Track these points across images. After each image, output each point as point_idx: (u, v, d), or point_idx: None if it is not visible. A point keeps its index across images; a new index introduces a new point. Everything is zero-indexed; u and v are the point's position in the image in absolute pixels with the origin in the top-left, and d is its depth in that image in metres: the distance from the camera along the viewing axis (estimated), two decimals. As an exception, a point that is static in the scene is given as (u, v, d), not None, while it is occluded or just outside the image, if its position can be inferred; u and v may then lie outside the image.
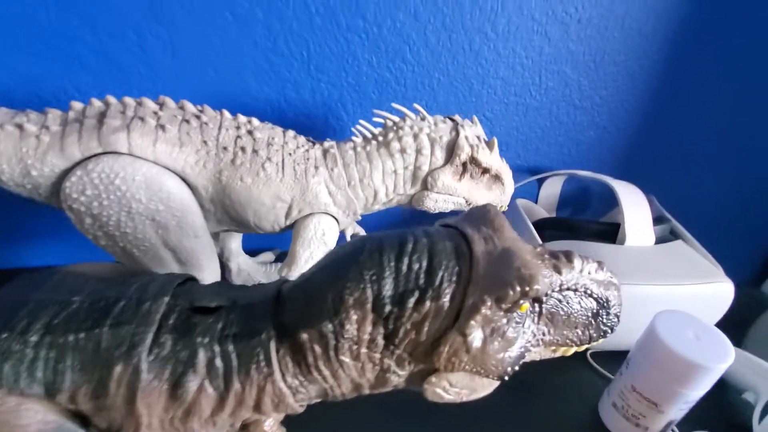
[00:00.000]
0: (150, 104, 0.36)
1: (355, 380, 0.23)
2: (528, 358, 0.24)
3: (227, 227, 0.41)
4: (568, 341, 0.23)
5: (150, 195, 0.35)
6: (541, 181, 0.69)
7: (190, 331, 0.22)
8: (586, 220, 0.56)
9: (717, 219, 0.78)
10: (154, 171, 0.35)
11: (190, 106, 0.37)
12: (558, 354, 0.25)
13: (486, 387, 0.22)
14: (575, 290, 0.23)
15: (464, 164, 0.42)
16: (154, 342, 0.22)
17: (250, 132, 0.38)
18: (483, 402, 0.38)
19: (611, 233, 0.53)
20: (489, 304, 0.20)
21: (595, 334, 0.24)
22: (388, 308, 0.21)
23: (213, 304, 0.23)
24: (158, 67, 0.50)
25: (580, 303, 0.23)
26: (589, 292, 0.23)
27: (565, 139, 0.66)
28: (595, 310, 0.23)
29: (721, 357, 0.35)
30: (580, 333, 0.23)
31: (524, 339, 0.22)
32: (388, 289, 0.21)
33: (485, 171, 0.44)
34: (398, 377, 0.22)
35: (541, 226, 0.57)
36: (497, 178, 0.46)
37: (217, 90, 0.52)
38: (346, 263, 0.22)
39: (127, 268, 0.28)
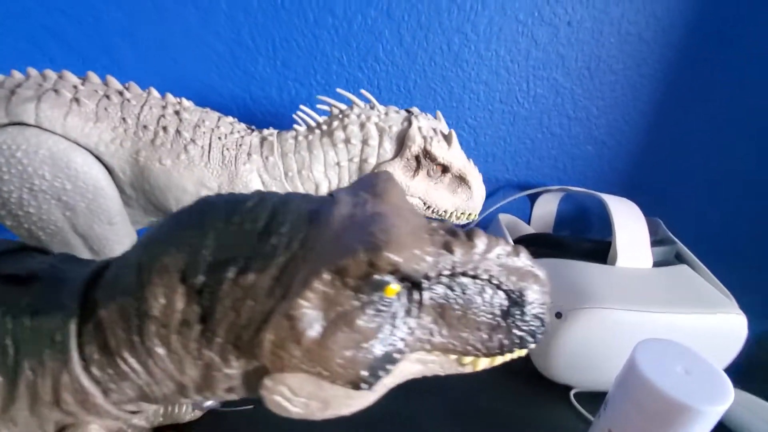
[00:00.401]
0: (71, 78, 0.34)
1: (174, 378, 0.17)
2: (421, 369, 0.18)
3: (155, 218, 0.38)
4: (468, 347, 0.17)
5: (55, 171, 0.32)
6: (533, 199, 0.63)
7: (-9, 304, 0.18)
8: (575, 237, 0.50)
9: (732, 247, 0.69)
10: (62, 146, 0.32)
11: (115, 83, 0.34)
12: (466, 368, 0.19)
13: (343, 400, 0.16)
14: (474, 277, 0.17)
15: (417, 159, 0.37)
16: None
17: (176, 112, 0.35)
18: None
19: (602, 253, 0.46)
20: (326, 277, 0.15)
21: (506, 341, 0.18)
22: (201, 279, 0.16)
23: (24, 273, 0.19)
24: (116, 53, 0.48)
25: (482, 296, 0.17)
26: (495, 281, 0.17)
27: (559, 152, 0.61)
28: (504, 308, 0.17)
29: (716, 397, 0.28)
30: (484, 337, 0.17)
31: (394, 335, 0.16)
32: (205, 255, 0.16)
33: (445, 170, 0.39)
34: (227, 377, 0.17)
35: (525, 242, 0.51)
36: (462, 180, 0.40)
37: (179, 82, 0.50)
38: (169, 225, 0.17)
39: None
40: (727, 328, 0.39)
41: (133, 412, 0.20)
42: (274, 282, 0.15)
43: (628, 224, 0.45)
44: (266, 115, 0.53)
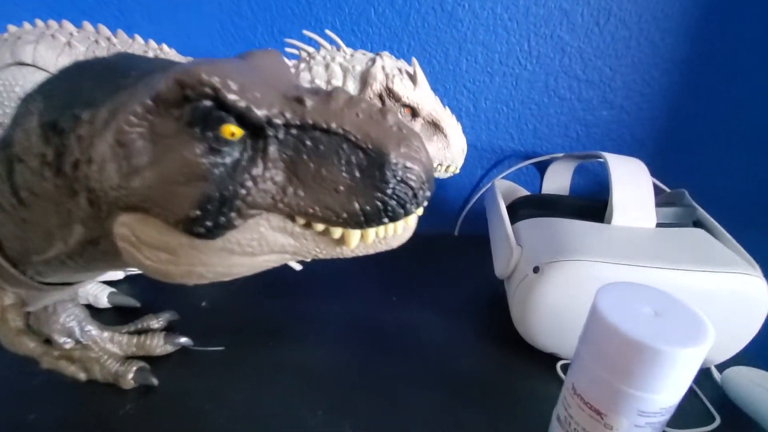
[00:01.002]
0: (69, 26, 0.38)
1: (41, 225, 0.18)
2: (292, 243, 0.18)
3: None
4: (328, 212, 0.16)
5: (48, 106, 0.35)
6: (542, 169, 0.59)
7: None
8: (572, 197, 0.46)
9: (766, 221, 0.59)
10: (54, 83, 0.35)
11: (105, 30, 0.38)
12: (342, 248, 0.18)
13: (191, 252, 0.16)
14: (327, 131, 0.16)
15: (381, 98, 0.37)
16: None
17: (156, 57, 0.38)
18: (413, 403, 0.33)
19: (601, 212, 0.42)
20: (147, 102, 0.15)
21: (367, 206, 0.16)
22: (54, 118, 0.16)
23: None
24: (137, 29, 0.53)
25: (338, 152, 0.16)
26: (351, 137, 0.16)
27: (569, 119, 0.56)
28: (363, 167, 0.16)
29: (691, 338, 0.24)
30: (343, 200, 0.16)
31: (234, 180, 0.15)
32: (59, 100, 0.17)
33: (414, 113, 0.38)
34: (86, 226, 0.17)
35: (519, 205, 0.48)
36: (436, 127, 0.39)
37: (188, 51, 0.54)
38: (45, 80, 0.19)
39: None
40: (746, 291, 0.33)
41: (37, 283, 0.22)
42: (109, 116, 0.16)
43: (629, 180, 0.41)
44: (267, 83, 0.56)
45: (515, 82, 0.55)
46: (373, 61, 0.37)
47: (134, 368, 0.35)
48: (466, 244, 0.58)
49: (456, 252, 0.58)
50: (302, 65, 0.38)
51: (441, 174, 0.42)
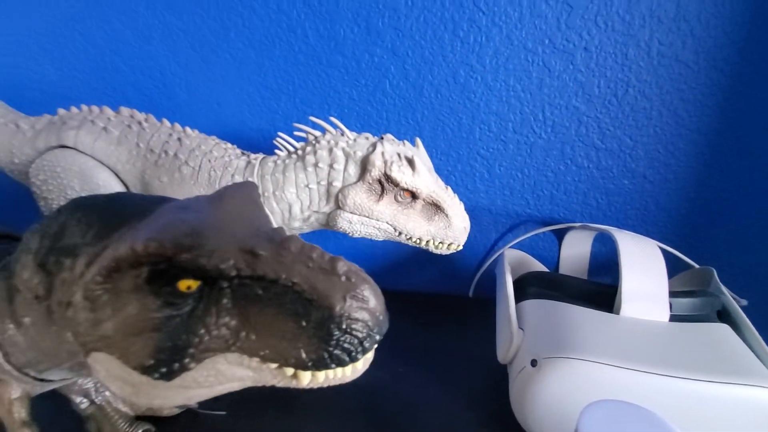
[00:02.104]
0: (108, 111, 0.42)
1: (38, 345, 0.20)
2: (251, 375, 0.19)
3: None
4: (279, 356, 0.17)
5: (83, 184, 0.40)
6: (560, 236, 0.58)
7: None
8: (583, 280, 0.44)
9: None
10: (90, 164, 0.40)
11: (138, 115, 0.43)
12: (294, 380, 0.19)
13: (150, 389, 0.17)
14: (276, 282, 0.17)
15: (380, 183, 0.38)
16: None
17: (179, 139, 0.41)
18: None
19: (611, 298, 0.40)
20: (107, 263, 0.16)
21: (314, 355, 0.17)
22: (47, 260, 0.19)
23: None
24: (176, 98, 0.59)
25: (287, 303, 0.17)
26: (300, 289, 0.17)
27: (588, 187, 0.55)
28: (309, 319, 0.17)
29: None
30: (290, 347, 0.17)
31: (188, 330, 0.17)
32: (53, 241, 0.19)
33: (414, 196, 0.39)
34: (71, 353, 0.19)
35: (528, 281, 0.46)
36: (437, 207, 0.40)
37: (219, 119, 0.59)
38: (48, 216, 0.21)
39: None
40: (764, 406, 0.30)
41: (39, 380, 0.24)
42: (85, 267, 0.18)
43: (640, 267, 0.39)
44: (289, 146, 0.59)
45: (530, 149, 0.54)
46: (374, 146, 0.38)
47: (140, 430, 0.37)
48: (480, 307, 0.57)
49: (469, 315, 0.57)
50: (308, 148, 0.40)
51: (443, 251, 0.42)
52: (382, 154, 0.37)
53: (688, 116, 0.50)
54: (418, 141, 0.42)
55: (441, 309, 0.58)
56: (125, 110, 0.43)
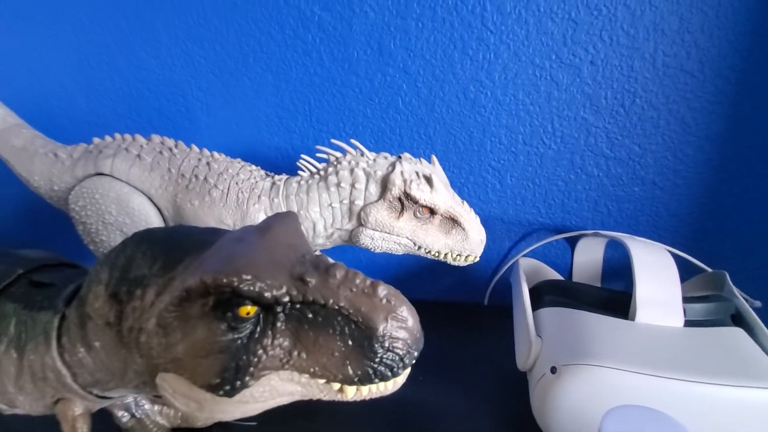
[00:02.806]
0: (140, 139, 0.45)
1: (107, 367, 0.22)
2: (299, 390, 0.21)
3: (193, 248, 0.46)
4: (327, 373, 0.19)
5: (119, 209, 0.42)
6: (573, 243, 0.59)
7: (19, 298, 0.26)
8: (597, 287, 0.45)
9: None
10: (126, 190, 0.42)
11: (168, 142, 0.45)
12: (340, 394, 0.21)
13: (213, 404, 0.19)
14: (324, 306, 0.19)
15: (400, 200, 0.40)
16: None
17: (207, 163, 0.44)
18: None
19: (625, 305, 0.41)
20: (179, 294, 0.18)
21: (360, 371, 0.19)
22: (118, 290, 0.21)
23: (47, 280, 0.27)
24: (198, 122, 0.62)
25: (334, 324, 0.19)
26: (345, 312, 0.19)
27: (598, 195, 0.56)
28: (355, 338, 0.19)
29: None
30: (338, 364, 0.19)
31: (248, 351, 0.19)
32: (124, 272, 0.21)
33: (432, 212, 0.41)
34: (138, 373, 0.21)
35: (543, 290, 0.48)
36: (454, 222, 0.41)
37: (238, 140, 0.62)
38: (112, 249, 0.23)
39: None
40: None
41: (100, 397, 0.26)
42: (155, 297, 0.20)
43: (653, 275, 0.40)
44: (306, 163, 0.61)
45: (540, 160, 0.56)
46: (393, 166, 0.40)
47: None
48: (495, 314, 0.59)
49: (485, 322, 0.58)
50: (330, 169, 0.42)
51: (461, 263, 0.43)
52: (401, 173, 0.39)
53: (695, 123, 0.51)
54: (434, 158, 0.43)
55: (457, 317, 0.59)
56: (156, 137, 0.46)
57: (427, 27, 0.52)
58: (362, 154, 0.42)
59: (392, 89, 0.55)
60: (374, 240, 0.41)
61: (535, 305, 0.45)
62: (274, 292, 0.19)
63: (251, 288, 0.18)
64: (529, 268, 0.56)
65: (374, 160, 0.41)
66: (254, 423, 0.42)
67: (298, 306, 0.19)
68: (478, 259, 0.44)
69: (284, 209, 0.42)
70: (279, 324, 0.19)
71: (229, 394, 0.19)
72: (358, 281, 0.19)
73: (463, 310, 0.61)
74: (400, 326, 0.19)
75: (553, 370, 0.36)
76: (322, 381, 0.20)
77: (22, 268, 0.28)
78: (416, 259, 0.64)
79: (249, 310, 0.19)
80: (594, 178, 0.56)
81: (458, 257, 0.43)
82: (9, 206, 0.70)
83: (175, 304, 0.19)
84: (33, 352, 0.24)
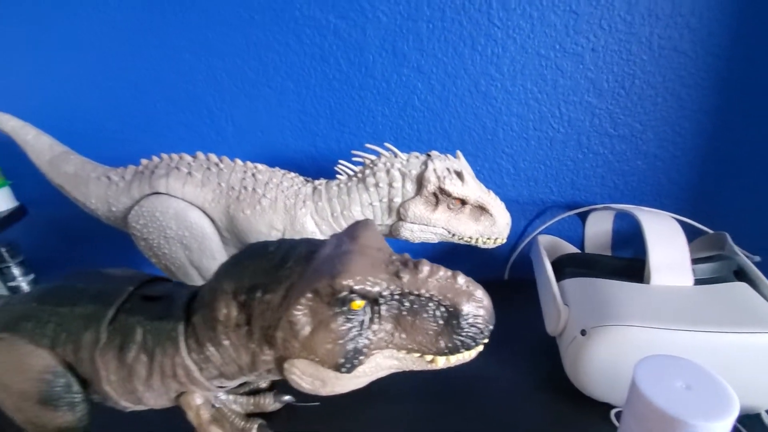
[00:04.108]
0: (187, 157, 0.49)
1: (235, 361, 0.27)
2: (397, 364, 0.25)
3: (243, 253, 0.51)
4: (423, 348, 0.24)
5: (178, 224, 0.46)
6: (584, 217, 0.64)
7: (136, 312, 0.30)
8: (612, 257, 0.50)
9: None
10: (182, 206, 0.46)
11: (213, 157, 0.49)
12: (431, 364, 0.25)
13: (335, 380, 0.24)
14: (418, 295, 0.24)
15: (435, 195, 0.44)
16: (113, 318, 0.30)
17: (253, 174, 0.47)
18: None
19: (639, 270, 0.46)
20: (308, 295, 0.23)
21: (450, 344, 0.24)
22: (243, 297, 0.25)
23: (156, 294, 0.31)
24: (224, 132, 0.65)
25: (427, 309, 0.24)
26: (435, 298, 0.24)
27: (605, 171, 0.61)
28: (445, 318, 0.24)
29: (718, 413, 0.28)
30: (433, 340, 0.24)
31: (363, 336, 0.23)
32: (245, 282, 0.26)
33: (463, 202, 0.45)
34: (265, 362, 0.26)
35: (564, 262, 0.53)
36: (483, 209, 0.46)
37: (264, 146, 0.65)
38: (227, 264, 0.28)
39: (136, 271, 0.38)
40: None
41: (220, 387, 0.31)
42: (281, 299, 0.24)
43: (663, 241, 0.45)
44: (329, 162, 0.65)
45: (550, 143, 0.60)
46: (426, 164, 0.44)
47: (256, 425, 0.44)
48: (516, 287, 0.64)
49: (507, 295, 0.63)
50: (367, 171, 0.46)
51: (489, 245, 0.48)
52: (434, 170, 0.44)
53: (690, 99, 0.56)
54: (459, 153, 0.48)
55: (482, 293, 0.65)
56: (201, 155, 0.49)
57: (438, 27, 0.55)
58: (395, 156, 0.46)
59: (408, 88, 0.59)
60: (413, 232, 0.46)
61: (558, 277, 0.50)
62: (379, 288, 0.23)
63: (363, 287, 0.23)
64: (547, 243, 0.61)
65: (407, 160, 0.45)
66: (317, 403, 0.47)
67: (396, 297, 0.24)
68: (505, 240, 0.49)
69: (328, 211, 0.46)
70: (383, 312, 0.24)
71: (350, 371, 0.23)
72: (441, 273, 0.24)
73: (486, 286, 0.65)
74: (479, 306, 0.24)
75: (583, 332, 0.41)
76: (417, 355, 0.25)
77: (130, 286, 0.32)
78: (440, 245, 0.69)
79: (359, 303, 0.23)
80: (600, 155, 0.60)
81: (488, 240, 0.47)
82: (41, 226, 0.74)
83: (303, 304, 0.23)
84: (162, 355, 0.29)
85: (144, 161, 0.50)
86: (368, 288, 0.23)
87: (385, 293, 0.23)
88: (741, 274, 0.46)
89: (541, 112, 0.58)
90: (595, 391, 0.42)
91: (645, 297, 0.42)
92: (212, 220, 0.48)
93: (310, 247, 0.26)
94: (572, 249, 0.61)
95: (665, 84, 0.55)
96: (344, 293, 0.23)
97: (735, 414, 0.28)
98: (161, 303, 0.31)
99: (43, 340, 0.30)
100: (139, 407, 0.33)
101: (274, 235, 0.47)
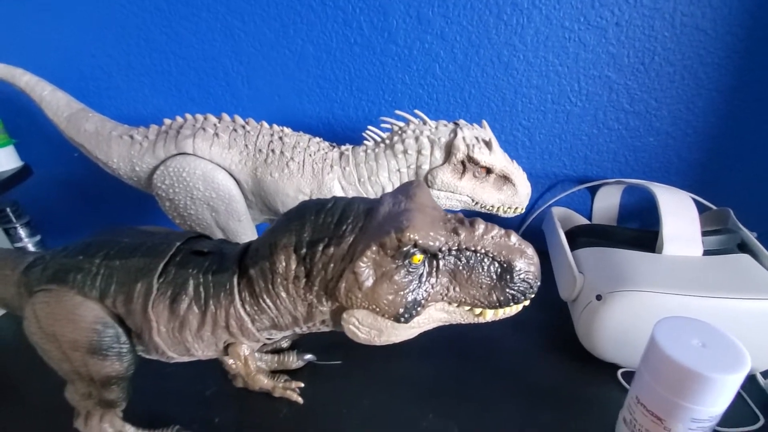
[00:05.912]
0: (212, 118, 0.48)
1: (291, 312, 0.28)
2: (446, 317, 0.27)
3: (267, 216, 0.51)
4: (476, 301, 0.25)
5: (206, 185, 0.46)
6: (594, 192, 0.66)
7: (187, 265, 0.31)
8: (624, 228, 0.53)
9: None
10: (209, 167, 0.46)
11: (239, 120, 0.48)
12: (479, 317, 0.27)
13: (391, 330, 0.26)
14: (475, 251, 0.25)
15: (463, 163, 0.45)
16: (164, 270, 0.31)
17: (280, 138, 0.47)
18: (500, 406, 0.41)
19: (652, 242, 0.49)
20: (374, 248, 0.24)
21: (502, 297, 0.25)
22: (304, 251, 0.26)
23: (206, 249, 0.32)
24: (239, 95, 0.64)
25: (482, 264, 0.25)
26: (491, 254, 0.25)
27: (618, 146, 0.62)
28: (498, 273, 0.25)
29: (731, 366, 0.31)
30: (486, 293, 0.25)
31: (421, 288, 0.25)
32: (305, 236, 0.26)
33: (489, 171, 0.46)
34: (322, 313, 0.27)
35: (576, 233, 0.55)
36: (506, 179, 0.47)
37: (281, 111, 0.65)
38: (283, 220, 0.28)
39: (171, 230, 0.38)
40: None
41: (268, 338, 0.32)
42: (344, 253, 0.25)
43: (676, 213, 0.47)
44: (346, 130, 0.65)
45: (566, 117, 0.61)
46: (455, 132, 0.45)
47: (281, 381, 0.46)
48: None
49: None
50: (395, 138, 0.46)
51: (509, 215, 0.50)
52: (464, 138, 0.44)
53: (707, 77, 0.57)
54: (485, 123, 0.48)
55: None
56: (226, 116, 0.49)
57: (464, -6, 0.55)
58: (424, 123, 0.46)
59: (430, 56, 0.59)
60: (439, 199, 0.47)
61: (572, 246, 0.52)
62: (439, 244, 0.24)
63: (426, 241, 0.24)
64: (560, 214, 0.63)
65: (436, 127, 0.46)
66: (338, 362, 0.49)
67: (454, 252, 0.25)
68: (524, 210, 0.50)
69: (355, 176, 0.47)
70: (440, 267, 0.25)
71: (408, 321, 0.25)
72: (495, 231, 0.25)
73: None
74: (530, 262, 0.25)
75: (599, 297, 0.44)
76: (467, 308, 0.26)
77: (177, 241, 0.32)
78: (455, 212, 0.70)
79: (419, 257, 0.24)
80: (614, 131, 0.61)
81: (508, 210, 0.49)
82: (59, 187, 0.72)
83: (368, 257, 0.24)
84: (216, 306, 0.30)
85: (167, 121, 0.49)
86: (430, 243, 0.24)
87: (443, 248, 0.25)
88: (743, 247, 0.49)
89: (561, 85, 0.59)
90: (605, 353, 0.45)
91: (658, 265, 0.44)
92: (238, 182, 0.48)
93: (367, 203, 0.27)
94: (583, 220, 0.63)
95: (684, 62, 0.56)
96: (408, 247, 0.24)
97: (747, 368, 0.31)
98: (211, 257, 0.31)
99: (92, 292, 0.31)
100: (184, 358, 0.34)
101: (301, 199, 0.47)
